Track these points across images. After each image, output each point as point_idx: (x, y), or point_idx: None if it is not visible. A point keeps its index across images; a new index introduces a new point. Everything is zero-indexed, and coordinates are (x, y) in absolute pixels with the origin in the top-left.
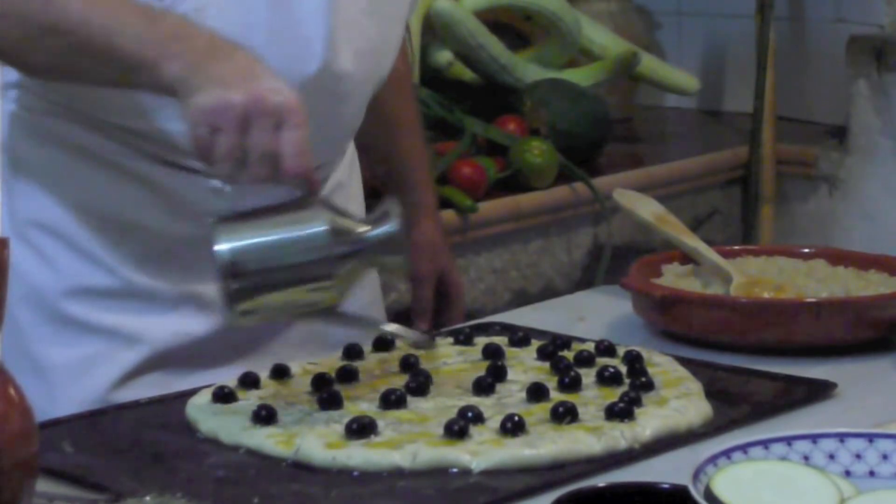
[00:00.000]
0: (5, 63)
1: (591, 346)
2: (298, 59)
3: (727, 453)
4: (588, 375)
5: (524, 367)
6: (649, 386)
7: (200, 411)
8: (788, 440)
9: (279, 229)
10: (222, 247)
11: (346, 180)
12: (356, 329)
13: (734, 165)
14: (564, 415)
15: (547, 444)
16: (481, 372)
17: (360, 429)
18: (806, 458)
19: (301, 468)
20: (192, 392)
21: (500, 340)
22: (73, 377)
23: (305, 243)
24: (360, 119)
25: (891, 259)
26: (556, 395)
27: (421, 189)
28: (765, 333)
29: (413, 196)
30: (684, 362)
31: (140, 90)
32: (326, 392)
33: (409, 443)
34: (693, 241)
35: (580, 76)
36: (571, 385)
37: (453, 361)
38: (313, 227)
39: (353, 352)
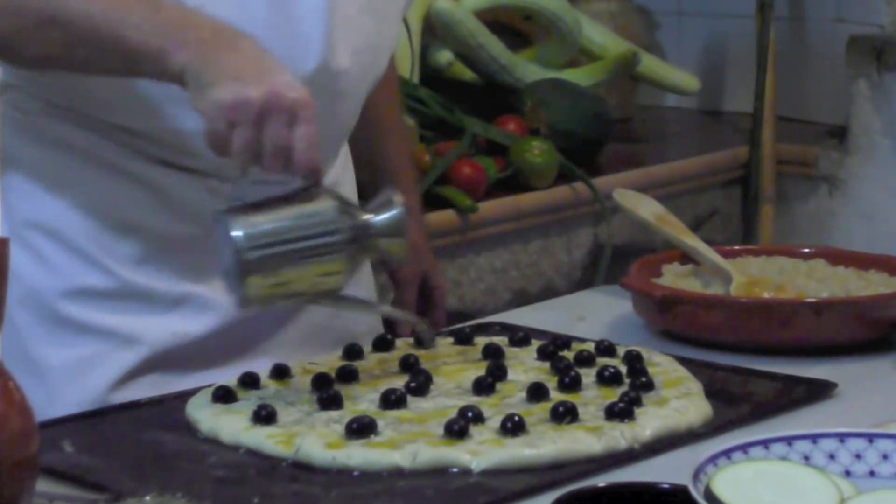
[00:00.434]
0: None
1: (591, 346)
2: (297, 56)
3: (727, 453)
4: (588, 375)
5: (524, 367)
6: (649, 386)
7: (200, 411)
8: (788, 440)
9: (289, 215)
10: (236, 229)
11: (340, 178)
12: (357, 312)
13: (734, 165)
14: (564, 415)
15: (547, 444)
16: (481, 372)
17: (361, 429)
18: (806, 458)
19: (301, 468)
20: (192, 392)
21: (500, 340)
22: (70, 378)
23: (315, 228)
24: (356, 117)
25: (891, 259)
26: (556, 395)
27: (405, 192)
28: (765, 333)
29: None
30: (684, 362)
31: (143, 79)
32: (326, 392)
33: (409, 443)
34: (693, 241)
35: (580, 76)
36: (571, 385)
37: (453, 361)
38: (322, 212)
39: (353, 352)
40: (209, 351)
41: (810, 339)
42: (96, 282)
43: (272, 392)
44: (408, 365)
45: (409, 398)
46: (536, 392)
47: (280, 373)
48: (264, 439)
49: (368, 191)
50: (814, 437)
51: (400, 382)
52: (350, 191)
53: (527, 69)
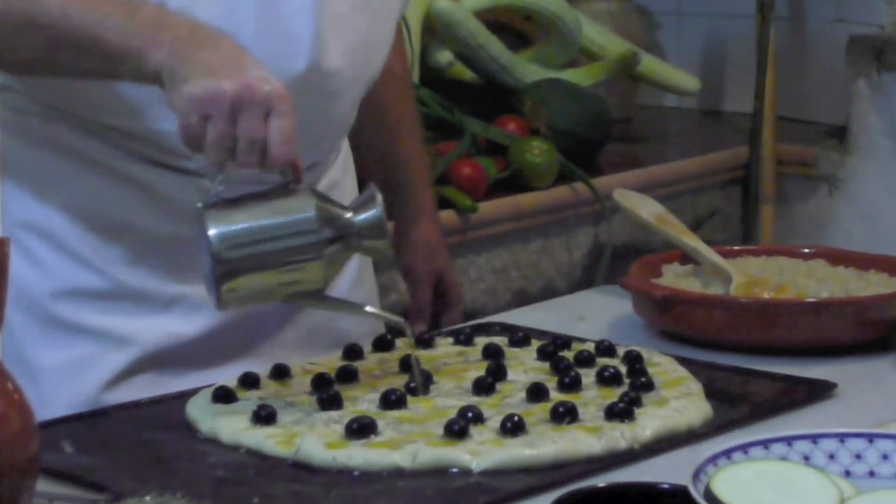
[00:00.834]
0: None
1: (591, 347)
2: (286, 56)
3: (727, 453)
4: (588, 375)
5: (524, 367)
6: (649, 386)
7: (200, 411)
8: (788, 440)
9: (267, 212)
10: (211, 227)
11: (340, 179)
12: (340, 313)
13: (734, 165)
14: (564, 415)
15: (547, 444)
16: (481, 372)
17: (361, 429)
18: (806, 458)
19: (301, 468)
20: (192, 392)
21: (500, 340)
22: (63, 379)
23: (292, 226)
24: (352, 117)
25: (891, 259)
26: (556, 395)
27: (419, 190)
28: (765, 333)
29: (411, 197)
30: (684, 362)
31: (123, 81)
32: (326, 392)
33: (409, 443)
34: (693, 241)
35: (580, 76)
36: (571, 385)
37: (453, 361)
38: (300, 210)
39: (352, 352)
40: (204, 352)
41: (810, 339)
42: (89, 282)
43: (272, 392)
44: (408, 365)
45: (409, 398)
46: (536, 392)
47: (280, 373)
48: (264, 439)
49: (384, 190)
50: (814, 438)
51: (400, 382)
52: (351, 191)
53: (527, 69)
